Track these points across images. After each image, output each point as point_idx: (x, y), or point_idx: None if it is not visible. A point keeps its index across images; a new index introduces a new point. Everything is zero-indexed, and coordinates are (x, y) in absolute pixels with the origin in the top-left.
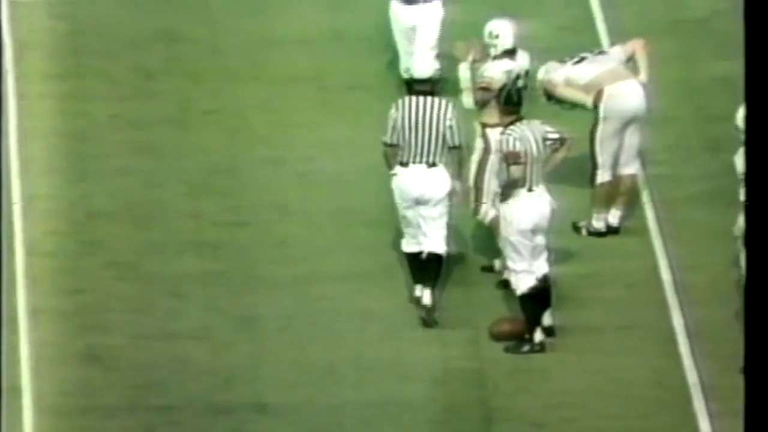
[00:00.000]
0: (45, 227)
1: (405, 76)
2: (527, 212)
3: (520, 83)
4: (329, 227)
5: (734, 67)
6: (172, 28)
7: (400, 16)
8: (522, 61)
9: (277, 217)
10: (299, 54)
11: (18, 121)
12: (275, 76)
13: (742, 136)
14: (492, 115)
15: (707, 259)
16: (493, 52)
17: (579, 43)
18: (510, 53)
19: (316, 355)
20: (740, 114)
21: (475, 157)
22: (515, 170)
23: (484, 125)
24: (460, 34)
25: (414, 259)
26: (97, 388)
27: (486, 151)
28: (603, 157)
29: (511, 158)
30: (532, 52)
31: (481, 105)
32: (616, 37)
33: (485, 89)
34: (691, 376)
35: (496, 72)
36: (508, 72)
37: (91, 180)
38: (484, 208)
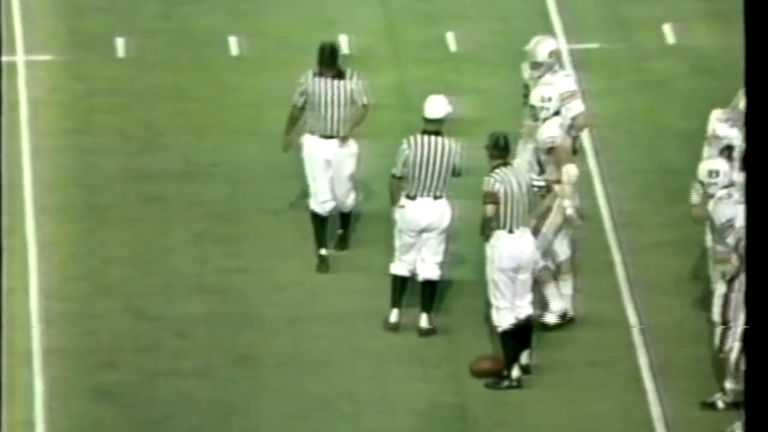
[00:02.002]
0: (62, 273)
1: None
2: (508, 251)
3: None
4: (323, 273)
5: (695, 125)
6: (179, 86)
7: None
8: None
9: (276, 264)
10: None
11: (37, 173)
12: (274, 132)
13: (703, 189)
14: (552, 171)
15: (670, 302)
16: (544, 114)
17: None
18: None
19: (310, 390)
20: (702, 168)
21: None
22: (489, 209)
23: (546, 181)
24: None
25: (399, 282)
26: (107, 423)
27: (548, 209)
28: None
29: (488, 198)
30: (501, 111)
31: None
32: (586, 95)
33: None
34: (655, 410)
35: (554, 131)
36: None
37: (105, 228)
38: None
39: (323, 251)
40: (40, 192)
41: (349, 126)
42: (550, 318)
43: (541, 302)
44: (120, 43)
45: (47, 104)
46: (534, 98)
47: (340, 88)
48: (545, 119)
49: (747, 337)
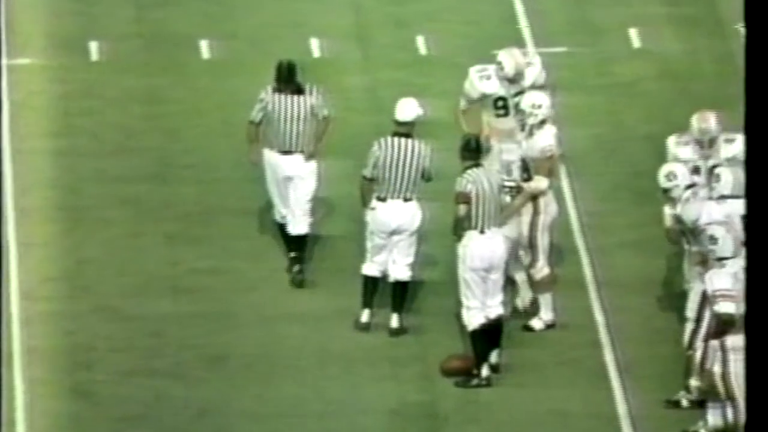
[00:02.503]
0: (40, 274)
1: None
2: (479, 252)
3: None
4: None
5: (659, 127)
6: (152, 89)
7: None
8: None
9: (248, 264)
10: None
11: (16, 175)
12: (246, 134)
13: (662, 194)
14: (540, 180)
15: (635, 302)
16: (532, 120)
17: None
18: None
19: (282, 390)
20: (660, 174)
21: (526, 218)
22: (462, 209)
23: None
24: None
25: (370, 282)
26: (84, 421)
27: (536, 212)
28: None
29: (460, 198)
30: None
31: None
32: (553, 98)
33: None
34: (621, 408)
35: (552, 139)
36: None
37: (81, 230)
38: (539, 265)
39: (293, 254)
40: (20, 194)
41: (314, 142)
42: (537, 323)
43: (533, 306)
44: (94, 46)
45: (25, 107)
46: (525, 103)
47: (300, 103)
48: (532, 126)
49: (747, 337)
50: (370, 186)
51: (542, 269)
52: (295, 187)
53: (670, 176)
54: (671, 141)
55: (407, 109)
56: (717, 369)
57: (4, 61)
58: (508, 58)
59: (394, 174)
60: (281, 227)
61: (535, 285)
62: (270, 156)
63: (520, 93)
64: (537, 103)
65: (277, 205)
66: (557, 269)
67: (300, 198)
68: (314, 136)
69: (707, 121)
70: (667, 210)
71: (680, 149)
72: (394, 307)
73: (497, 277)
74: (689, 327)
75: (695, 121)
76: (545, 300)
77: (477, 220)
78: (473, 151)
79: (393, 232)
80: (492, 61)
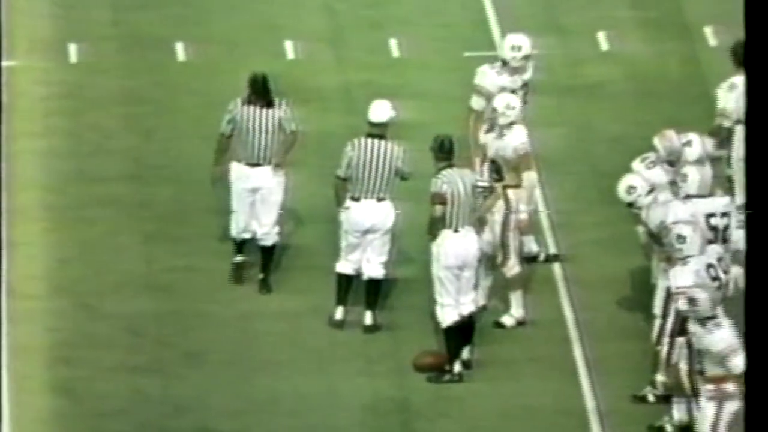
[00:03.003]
0: (24, 272)
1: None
2: (453, 250)
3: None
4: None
5: (626, 128)
6: (129, 90)
7: None
8: None
9: (223, 263)
10: None
11: (4, 175)
12: None
13: (626, 207)
14: (512, 177)
15: (604, 299)
16: (503, 121)
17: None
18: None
19: (258, 386)
20: (620, 190)
21: (498, 218)
22: (438, 209)
23: (506, 187)
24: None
25: (344, 280)
26: (64, 416)
27: (508, 210)
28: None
29: (436, 198)
30: (444, 113)
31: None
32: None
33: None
34: (590, 403)
35: (524, 137)
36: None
37: (61, 229)
38: (510, 263)
39: (238, 258)
40: (3, 194)
41: (280, 154)
42: (508, 320)
43: (503, 302)
44: (73, 48)
45: (7, 109)
46: (498, 103)
47: (269, 116)
48: (502, 126)
49: (747, 337)
50: (344, 185)
51: (513, 267)
52: (263, 199)
53: (630, 190)
54: (637, 165)
55: (380, 110)
56: (683, 365)
57: (4, 63)
58: (663, 140)
59: (368, 174)
60: (240, 245)
61: (507, 283)
62: (238, 168)
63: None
64: (511, 104)
65: (237, 222)
66: (527, 267)
67: (268, 210)
68: (282, 149)
69: (670, 140)
70: (641, 229)
71: (651, 172)
72: (368, 304)
73: (470, 275)
74: (657, 323)
75: (658, 142)
76: (516, 297)
77: (451, 220)
78: (447, 152)
79: (366, 231)
80: (464, 63)
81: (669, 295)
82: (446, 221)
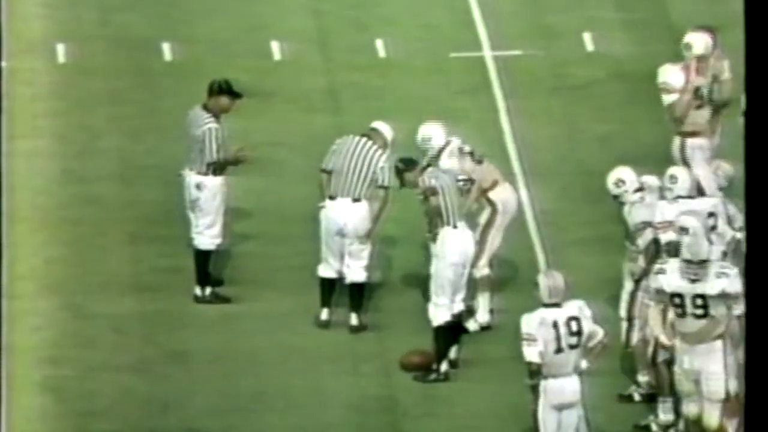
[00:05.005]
0: (14, 272)
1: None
2: (456, 247)
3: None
4: (255, 270)
5: (611, 128)
6: (115, 90)
7: None
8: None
9: None
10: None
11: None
12: None
13: (612, 199)
14: (488, 180)
15: (589, 298)
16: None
17: (475, 105)
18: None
19: (243, 385)
20: (609, 181)
21: (483, 218)
22: (434, 200)
23: (485, 190)
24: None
25: (327, 284)
26: (51, 415)
27: (494, 211)
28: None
29: (428, 192)
30: (429, 115)
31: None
32: (510, 100)
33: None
34: None
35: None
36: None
37: (47, 229)
38: (480, 263)
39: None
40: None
41: (202, 163)
42: (473, 325)
43: (468, 307)
44: (60, 49)
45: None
46: (419, 135)
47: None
48: (432, 157)
49: (747, 337)
50: (329, 179)
51: (482, 268)
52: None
53: (619, 183)
54: (625, 178)
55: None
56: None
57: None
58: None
59: (345, 171)
60: (205, 257)
61: (475, 284)
62: (188, 176)
63: None
64: (428, 135)
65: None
66: (513, 266)
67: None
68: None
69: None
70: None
71: (639, 182)
72: (352, 306)
73: (467, 272)
74: (623, 326)
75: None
76: (483, 300)
77: (447, 216)
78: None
79: (341, 231)
80: (449, 64)
81: (633, 299)
82: (443, 218)
